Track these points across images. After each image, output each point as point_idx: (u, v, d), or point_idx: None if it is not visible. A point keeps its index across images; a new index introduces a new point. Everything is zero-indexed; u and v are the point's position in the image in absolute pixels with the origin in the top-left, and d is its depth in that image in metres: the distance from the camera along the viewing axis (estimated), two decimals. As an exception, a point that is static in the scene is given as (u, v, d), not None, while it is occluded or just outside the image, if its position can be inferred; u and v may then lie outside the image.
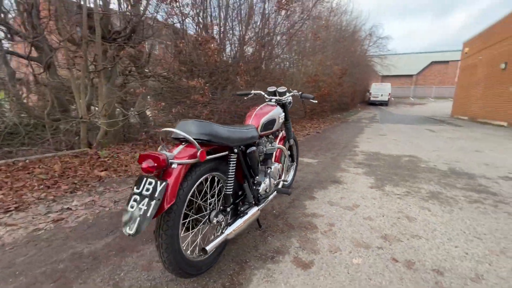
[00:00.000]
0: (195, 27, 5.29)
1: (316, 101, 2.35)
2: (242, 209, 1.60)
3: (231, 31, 5.65)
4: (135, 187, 1.11)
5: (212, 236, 1.43)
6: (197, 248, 1.44)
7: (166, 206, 1.06)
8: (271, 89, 2.33)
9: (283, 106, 2.25)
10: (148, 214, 1.02)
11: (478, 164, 3.93)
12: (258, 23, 5.87)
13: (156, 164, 1.04)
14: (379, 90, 22.40)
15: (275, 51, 6.69)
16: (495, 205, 2.40)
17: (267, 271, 1.45)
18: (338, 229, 1.93)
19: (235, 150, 1.43)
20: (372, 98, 22.48)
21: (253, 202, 1.67)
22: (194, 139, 1.19)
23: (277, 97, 2.24)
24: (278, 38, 6.40)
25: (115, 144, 4.16)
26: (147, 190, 1.07)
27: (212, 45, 3.98)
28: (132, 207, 1.07)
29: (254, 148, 1.65)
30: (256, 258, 1.57)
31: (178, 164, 1.13)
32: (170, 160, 1.10)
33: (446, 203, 2.42)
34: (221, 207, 1.48)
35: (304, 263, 1.53)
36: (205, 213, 1.39)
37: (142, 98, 4.68)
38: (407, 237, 1.83)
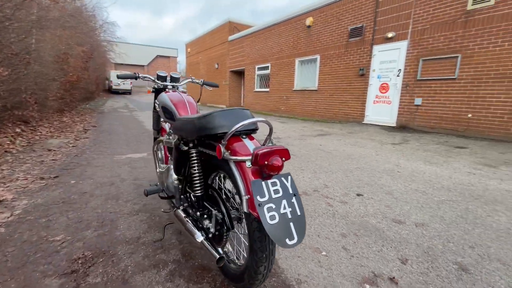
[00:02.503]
0: None
1: (212, 89, 2.38)
2: None
3: None
4: (257, 197, 0.86)
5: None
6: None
7: None
8: (162, 73, 2.02)
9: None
10: (299, 213, 0.92)
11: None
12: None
13: (285, 159, 0.92)
14: None
15: (8, 12, 4.40)
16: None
17: (273, 241, 1.62)
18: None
19: None
20: (114, 87, 21.30)
21: None
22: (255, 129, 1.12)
23: (173, 83, 2.02)
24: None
25: None
26: (276, 191, 0.92)
27: None
28: (273, 218, 0.86)
29: None
30: (254, 239, 1.63)
31: None
32: None
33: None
34: None
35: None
36: None
37: None
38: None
